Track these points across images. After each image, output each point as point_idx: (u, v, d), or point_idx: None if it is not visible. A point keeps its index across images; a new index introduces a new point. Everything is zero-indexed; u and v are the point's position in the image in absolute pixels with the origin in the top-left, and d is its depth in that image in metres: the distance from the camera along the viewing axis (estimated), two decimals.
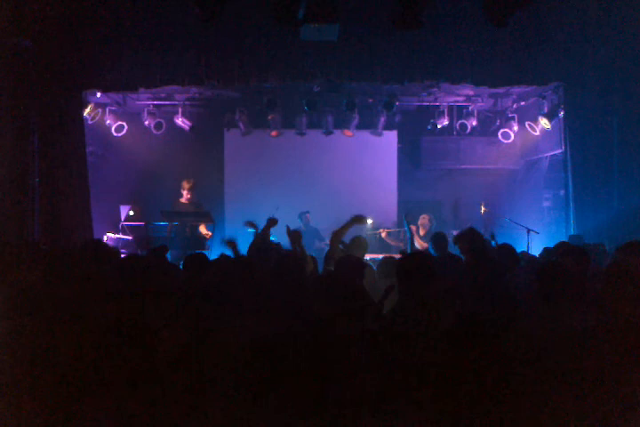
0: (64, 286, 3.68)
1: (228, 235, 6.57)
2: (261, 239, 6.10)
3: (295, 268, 4.40)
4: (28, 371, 2.77)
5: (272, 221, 6.42)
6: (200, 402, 2.54)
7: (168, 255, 6.45)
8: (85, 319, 3.03)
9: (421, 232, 9.52)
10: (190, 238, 9.58)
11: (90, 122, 10.46)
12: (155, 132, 11.47)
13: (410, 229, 7.91)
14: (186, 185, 10.09)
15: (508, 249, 5.75)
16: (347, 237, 6.27)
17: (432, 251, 6.48)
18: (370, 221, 6.47)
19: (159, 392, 2.53)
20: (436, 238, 6.67)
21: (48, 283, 3.77)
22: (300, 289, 4.02)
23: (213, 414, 2.50)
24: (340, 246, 6.05)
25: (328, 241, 6.59)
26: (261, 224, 6.51)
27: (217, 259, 4.58)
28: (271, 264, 4.66)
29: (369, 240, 9.41)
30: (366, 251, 6.33)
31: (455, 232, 11.12)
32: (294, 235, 5.73)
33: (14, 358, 2.83)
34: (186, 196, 10.10)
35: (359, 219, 6.21)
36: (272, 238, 9.10)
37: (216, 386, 2.59)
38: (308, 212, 10.87)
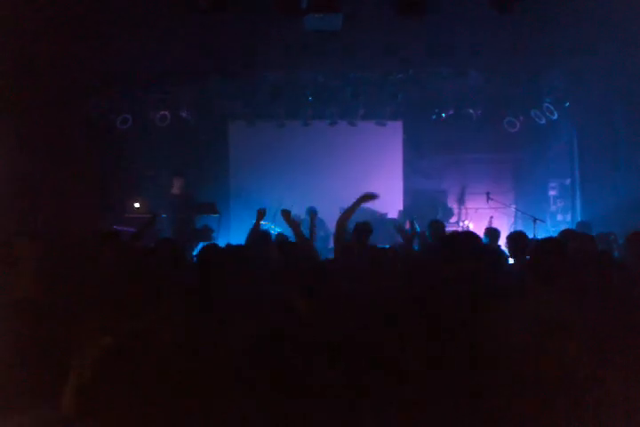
0: (64, 279, 3.68)
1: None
2: (255, 232, 6.05)
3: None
4: (28, 368, 2.79)
5: (261, 213, 6.34)
6: (199, 400, 2.53)
7: None
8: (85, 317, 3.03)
9: None
10: (196, 230, 9.60)
11: (94, 115, 10.44)
12: (159, 124, 11.46)
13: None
14: (175, 181, 10.22)
15: (516, 237, 5.58)
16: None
17: (429, 238, 6.51)
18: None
19: (158, 391, 2.53)
20: (433, 226, 6.70)
21: (50, 276, 3.78)
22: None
23: (214, 412, 2.50)
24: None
25: (333, 229, 6.55)
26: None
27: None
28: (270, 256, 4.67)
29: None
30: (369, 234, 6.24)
31: (462, 222, 11.18)
32: (285, 214, 5.91)
33: (15, 357, 2.85)
34: (176, 189, 10.19)
35: (368, 196, 5.98)
36: (278, 230, 9.14)
37: (216, 384, 2.58)
38: (315, 211, 10.85)
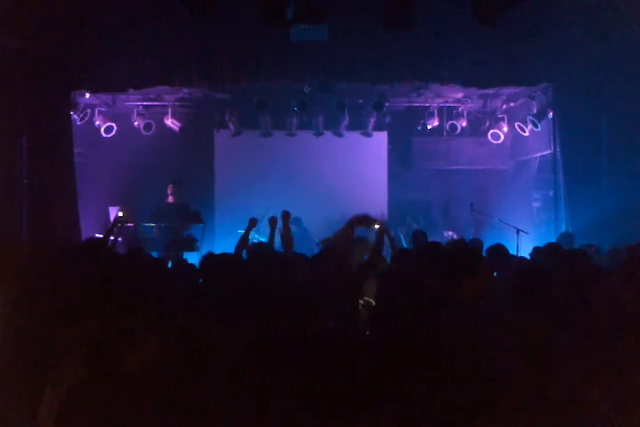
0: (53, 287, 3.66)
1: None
2: (245, 242, 6.02)
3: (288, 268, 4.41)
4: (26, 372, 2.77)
5: (252, 222, 6.35)
6: (196, 407, 2.52)
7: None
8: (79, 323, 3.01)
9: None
10: (180, 240, 9.56)
11: (78, 123, 10.40)
12: (144, 133, 11.44)
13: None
14: (170, 187, 10.17)
15: (496, 250, 5.58)
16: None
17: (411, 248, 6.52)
18: (377, 226, 5.27)
19: (156, 394, 2.51)
20: (416, 237, 6.70)
21: (38, 284, 3.75)
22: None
23: (213, 419, 2.48)
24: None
25: (319, 242, 6.50)
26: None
27: (205, 258, 4.51)
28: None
29: None
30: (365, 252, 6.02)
31: (446, 233, 11.22)
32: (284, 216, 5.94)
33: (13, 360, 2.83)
34: (171, 195, 10.16)
35: (360, 220, 5.40)
36: (262, 239, 9.11)
37: (212, 391, 2.57)
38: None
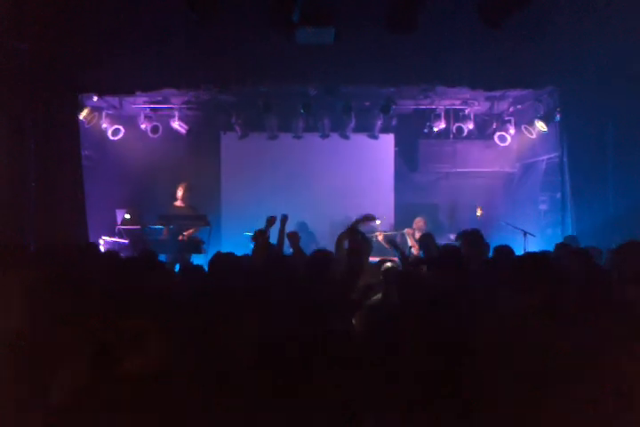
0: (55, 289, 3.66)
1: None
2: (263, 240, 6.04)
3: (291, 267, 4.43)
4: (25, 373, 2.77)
5: (271, 221, 6.36)
6: (203, 409, 2.52)
7: (163, 259, 6.44)
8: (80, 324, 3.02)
9: (417, 235, 9.49)
10: (186, 242, 9.58)
11: (86, 126, 10.43)
12: (151, 135, 11.47)
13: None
14: (180, 189, 10.20)
15: (502, 252, 5.56)
16: None
17: (421, 253, 6.49)
18: (378, 222, 5.91)
19: (162, 397, 2.51)
20: (424, 240, 6.68)
21: (40, 286, 3.76)
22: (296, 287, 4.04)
23: (221, 417, 2.49)
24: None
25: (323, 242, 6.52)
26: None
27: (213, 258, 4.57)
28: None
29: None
30: (369, 252, 6.15)
31: (452, 236, 11.20)
32: (292, 236, 5.86)
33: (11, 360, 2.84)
34: (180, 199, 10.19)
35: (367, 218, 5.81)
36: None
37: (220, 390, 2.57)
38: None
